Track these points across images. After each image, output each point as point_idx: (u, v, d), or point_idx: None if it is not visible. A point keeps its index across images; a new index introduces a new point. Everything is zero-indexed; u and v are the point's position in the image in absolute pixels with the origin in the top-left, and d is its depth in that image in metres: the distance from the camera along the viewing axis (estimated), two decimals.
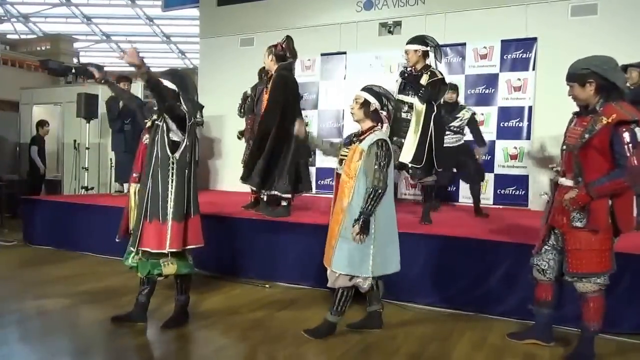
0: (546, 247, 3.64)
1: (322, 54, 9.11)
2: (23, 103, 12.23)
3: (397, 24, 8.65)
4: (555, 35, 7.34)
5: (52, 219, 7.18)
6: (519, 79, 7.58)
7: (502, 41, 7.72)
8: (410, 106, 5.39)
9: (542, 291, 3.72)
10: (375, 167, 3.65)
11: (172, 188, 3.85)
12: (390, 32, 8.68)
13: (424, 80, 5.32)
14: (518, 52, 7.60)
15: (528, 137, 7.56)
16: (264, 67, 6.19)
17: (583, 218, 3.34)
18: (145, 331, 4.02)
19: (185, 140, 3.90)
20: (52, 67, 11.16)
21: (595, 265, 3.36)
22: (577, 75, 3.36)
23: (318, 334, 3.87)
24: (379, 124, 3.89)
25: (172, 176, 3.85)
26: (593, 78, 3.30)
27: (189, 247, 3.95)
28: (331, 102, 8.96)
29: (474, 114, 6.72)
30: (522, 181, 7.61)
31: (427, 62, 5.47)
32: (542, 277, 3.68)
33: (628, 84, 5.89)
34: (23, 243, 7.33)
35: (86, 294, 4.92)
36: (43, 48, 16.51)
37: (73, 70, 10.56)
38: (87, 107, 9.21)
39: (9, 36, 19.68)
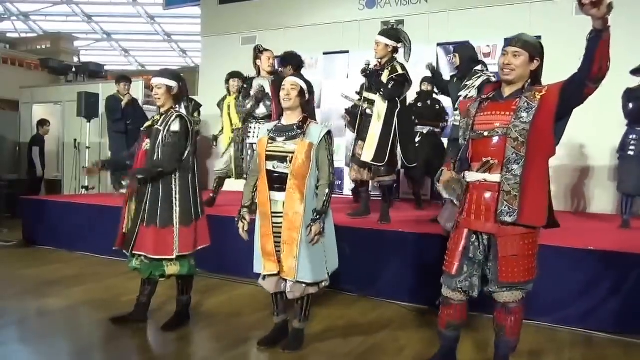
0: (464, 262, 3.03)
1: (325, 53, 9.09)
2: (23, 102, 12.22)
3: (400, 22, 8.64)
4: (559, 33, 7.30)
5: (52, 219, 7.16)
6: None
7: (505, 39, 7.67)
8: (373, 103, 5.37)
9: (458, 312, 3.16)
10: (329, 160, 3.48)
11: (175, 194, 3.82)
12: None
13: (384, 77, 5.28)
14: None
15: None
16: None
17: (513, 212, 2.83)
18: (146, 332, 3.99)
19: (189, 146, 3.89)
20: None
21: (528, 272, 2.92)
22: (532, 46, 2.93)
23: (297, 346, 3.69)
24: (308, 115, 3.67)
25: (175, 181, 3.83)
26: (541, 58, 2.97)
27: (199, 247, 3.96)
28: (334, 101, 8.90)
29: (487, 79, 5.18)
30: None
31: (394, 56, 5.40)
32: (462, 298, 3.10)
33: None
34: (23, 243, 7.31)
35: (86, 295, 4.90)
36: (43, 47, 16.49)
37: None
38: (88, 106, 9.19)
39: (9, 35, 19.67)
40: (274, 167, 3.48)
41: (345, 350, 3.68)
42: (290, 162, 3.43)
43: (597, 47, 2.58)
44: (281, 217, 3.46)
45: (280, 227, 3.47)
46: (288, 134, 3.49)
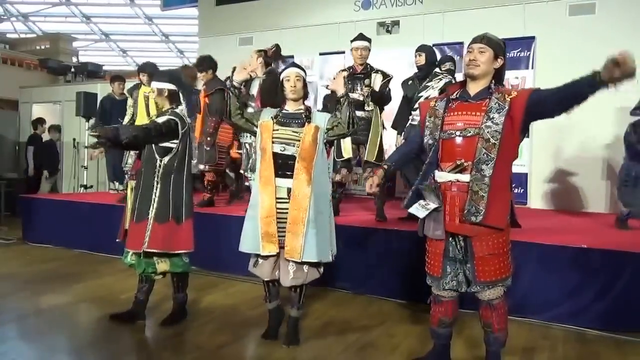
0: (447, 263, 3.04)
1: (321, 53, 9.13)
2: (22, 102, 12.28)
3: (395, 23, 8.70)
4: (553, 34, 7.37)
5: (51, 218, 7.19)
6: (517, 77, 7.59)
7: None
8: (368, 104, 5.57)
9: (450, 309, 3.17)
10: (339, 118, 3.62)
11: (155, 190, 3.85)
12: (388, 31, 8.72)
13: (378, 80, 5.51)
14: (516, 50, 7.62)
15: (527, 135, 7.55)
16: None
17: (479, 213, 2.84)
18: (143, 329, 4.02)
19: (178, 145, 3.90)
20: None
21: (503, 269, 2.96)
22: (497, 44, 2.96)
23: (298, 339, 3.77)
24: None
25: (157, 179, 3.86)
26: (504, 57, 3.00)
27: (178, 251, 3.94)
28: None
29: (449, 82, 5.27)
30: (521, 179, 7.61)
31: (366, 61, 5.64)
32: (452, 294, 3.12)
33: None
34: (22, 241, 7.36)
35: (85, 292, 4.93)
36: (42, 47, 16.47)
37: None
38: (86, 106, 9.22)
39: (8, 35, 19.65)
40: (281, 149, 3.57)
41: (341, 347, 3.72)
42: (297, 147, 3.55)
43: (591, 93, 2.62)
44: (285, 202, 3.55)
45: (284, 212, 3.55)
46: (297, 122, 3.62)
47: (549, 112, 2.83)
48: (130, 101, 6.98)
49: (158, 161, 3.86)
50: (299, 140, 3.56)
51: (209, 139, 6.27)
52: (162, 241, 3.83)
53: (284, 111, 3.69)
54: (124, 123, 6.92)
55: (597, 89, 2.58)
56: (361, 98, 5.52)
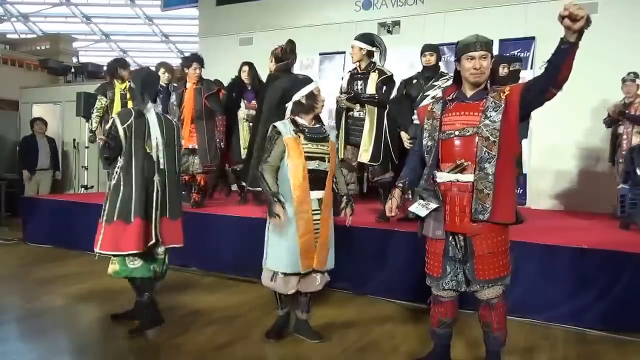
0: (446, 263, 3.05)
1: (321, 54, 9.13)
2: (23, 102, 12.29)
3: (396, 23, 8.71)
4: (554, 35, 7.30)
5: (52, 218, 7.19)
6: None
7: (500, 40, 7.72)
8: (362, 105, 5.49)
9: (449, 309, 3.18)
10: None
11: (109, 191, 3.85)
12: (389, 32, 8.72)
13: (373, 79, 5.41)
14: (516, 50, 7.62)
15: (526, 136, 7.56)
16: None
17: (486, 210, 2.86)
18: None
19: (124, 144, 3.79)
20: None
21: (502, 268, 2.97)
22: (491, 46, 2.96)
23: (318, 333, 3.87)
24: None
25: (111, 181, 3.87)
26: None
27: (126, 252, 3.78)
28: (329, 101, 8.92)
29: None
30: (520, 179, 7.58)
31: (372, 60, 5.54)
32: (452, 295, 3.13)
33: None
34: (22, 241, 7.36)
35: (85, 292, 4.93)
36: (43, 47, 16.47)
37: None
38: (87, 106, 9.19)
39: (8, 36, 19.66)
40: (316, 166, 3.61)
41: (341, 348, 3.72)
42: (328, 161, 3.65)
43: (567, 57, 2.61)
44: (317, 213, 3.64)
45: (319, 223, 3.64)
46: (321, 136, 3.66)
47: (542, 90, 2.78)
48: (101, 102, 6.87)
49: (118, 162, 3.84)
50: (328, 154, 3.66)
51: (223, 137, 6.50)
52: (110, 242, 3.75)
53: (304, 126, 3.64)
54: (92, 127, 6.96)
55: (569, 48, 2.59)
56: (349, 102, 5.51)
